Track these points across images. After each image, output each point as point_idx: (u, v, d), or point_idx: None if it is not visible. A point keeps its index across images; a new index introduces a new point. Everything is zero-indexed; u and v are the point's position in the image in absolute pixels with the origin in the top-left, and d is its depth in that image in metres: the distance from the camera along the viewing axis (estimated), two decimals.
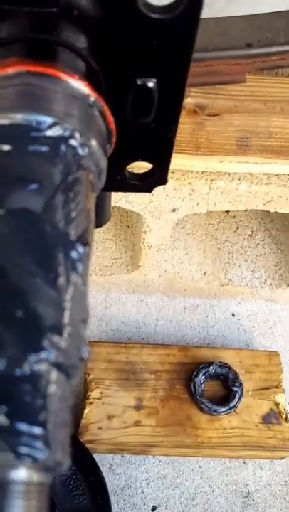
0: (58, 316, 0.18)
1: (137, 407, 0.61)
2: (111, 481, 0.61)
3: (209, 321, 0.72)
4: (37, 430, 0.16)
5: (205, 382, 0.62)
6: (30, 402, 0.16)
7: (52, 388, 0.17)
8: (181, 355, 0.65)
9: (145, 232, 0.60)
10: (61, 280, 0.18)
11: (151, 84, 0.25)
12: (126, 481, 0.62)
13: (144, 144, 0.29)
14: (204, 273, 0.71)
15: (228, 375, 0.62)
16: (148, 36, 0.23)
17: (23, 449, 0.16)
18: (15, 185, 0.20)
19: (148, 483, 0.62)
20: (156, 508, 0.61)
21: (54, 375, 0.17)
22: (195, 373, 0.62)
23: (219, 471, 0.63)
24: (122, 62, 0.24)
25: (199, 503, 0.62)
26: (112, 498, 0.58)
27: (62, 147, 0.21)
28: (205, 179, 0.53)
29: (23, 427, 0.16)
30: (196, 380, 0.62)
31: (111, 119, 0.24)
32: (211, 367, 0.63)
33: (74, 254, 0.19)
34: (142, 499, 0.61)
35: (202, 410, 0.61)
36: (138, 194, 0.55)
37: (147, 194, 0.54)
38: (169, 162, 0.30)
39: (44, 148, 0.21)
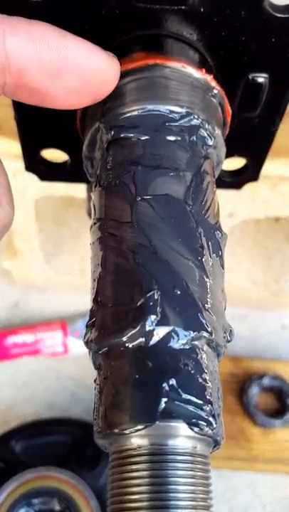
0: (207, 296, 0.20)
1: None
2: None
3: (259, 332, 0.73)
4: (205, 402, 0.18)
5: (258, 394, 0.63)
6: (194, 375, 0.18)
7: (209, 363, 0.19)
8: (232, 365, 0.66)
9: None
10: (207, 263, 0.20)
11: (261, 80, 0.27)
12: None
13: (244, 138, 0.30)
14: (254, 282, 0.72)
15: (282, 388, 0.63)
16: (268, 34, 0.25)
17: (194, 420, 0.17)
18: (155, 173, 0.21)
19: None
20: None
21: (209, 351, 0.19)
22: (248, 385, 0.63)
23: (271, 486, 0.64)
24: (236, 58, 0.26)
25: None
26: None
27: (194, 137, 0.23)
28: (267, 183, 0.55)
29: (192, 398, 0.18)
30: (248, 391, 0.63)
31: (229, 111, 0.26)
32: (264, 379, 0.63)
33: (215, 240, 0.21)
34: None
35: (255, 423, 0.62)
36: None
37: None
38: (265, 158, 0.32)
39: (178, 138, 0.23)
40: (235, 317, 0.75)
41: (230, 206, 0.58)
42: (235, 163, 0.33)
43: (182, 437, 0.18)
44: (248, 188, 0.55)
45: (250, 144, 0.31)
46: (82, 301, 0.76)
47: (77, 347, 0.69)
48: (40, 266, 0.68)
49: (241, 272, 0.73)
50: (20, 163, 0.53)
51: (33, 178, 0.51)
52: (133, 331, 0.19)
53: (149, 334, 0.19)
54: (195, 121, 0.23)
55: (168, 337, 0.19)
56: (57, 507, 0.54)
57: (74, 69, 0.21)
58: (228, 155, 0.32)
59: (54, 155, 0.33)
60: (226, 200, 0.57)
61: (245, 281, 0.72)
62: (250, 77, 0.27)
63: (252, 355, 0.71)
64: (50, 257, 0.69)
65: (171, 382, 0.18)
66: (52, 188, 0.56)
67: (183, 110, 0.23)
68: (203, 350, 0.19)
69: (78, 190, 0.56)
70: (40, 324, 0.70)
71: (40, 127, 0.30)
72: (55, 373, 0.69)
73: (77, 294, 0.73)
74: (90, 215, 0.40)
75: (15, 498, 0.54)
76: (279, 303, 0.73)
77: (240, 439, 0.61)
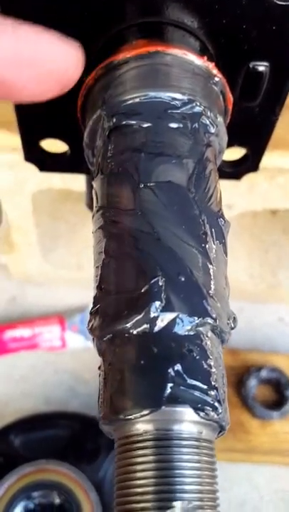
0: (211, 283, 0.20)
1: None
2: None
3: (256, 324, 0.73)
4: (210, 387, 0.18)
5: (256, 386, 0.63)
6: (199, 361, 0.18)
7: (214, 349, 0.19)
8: (230, 358, 0.66)
9: None
10: (211, 250, 0.20)
11: (262, 68, 0.27)
12: None
13: (244, 128, 0.30)
14: (251, 275, 0.73)
15: (280, 380, 0.63)
16: (269, 22, 0.25)
17: (200, 405, 0.17)
18: (158, 160, 0.21)
19: None
20: None
21: (214, 338, 0.19)
22: (246, 377, 0.63)
23: (269, 477, 0.64)
24: (237, 46, 0.26)
25: (247, 509, 0.63)
26: None
27: (196, 124, 0.23)
28: (265, 175, 0.55)
29: (198, 384, 0.18)
30: (247, 383, 0.63)
31: (231, 99, 0.26)
32: (262, 371, 0.64)
33: (218, 227, 0.21)
34: None
35: (254, 415, 0.62)
36: None
37: None
38: (265, 148, 0.32)
39: (180, 125, 0.22)
40: (233, 310, 0.75)
41: (228, 198, 0.58)
42: (235, 153, 0.33)
43: (188, 422, 0.18)
44: (246, 180, 0.55)
45: (250, 134, 0.31)
46: (80, 295, 0.76)
47: (75, 341, 0.69)
48: (37, 260, 0.68)
49: (238, 265, 0.73)
50: (17, 156, 0.53)
51: (30, 171, 0.50)
52: (137, 318, 0.19)
53: (154, 320, 0.19)
54: (197, 109, 0.23)
55: (173, 323, 0.19)
56: (57, 500, 0.54)
57: (35, 58, 0.21)
58: (229, 145, 0.32)
59: (53, 146, 0.33)
60: (223, 192, 0.57)
61: (242, 274, 0.73)
62: (250, 65, 0.27)
63: (250, 347, 0.71)
64: (47, 251, 0.69)
65: (176, 368, 0.18)
66: (49, 182, 0.56)
67: (185, 97, 0.23)
68: (207, 337, 0.19)
69: (76, 184, 0.56)
70: (38, 318, 0.70)
71: (39, 117, 0.30)
72: (53, 367, 0.69)
73: (75, 289, 0.73)
74: (89, 207, 0.40)
75: (14, 492, 0.54)
76: (276, 296, 0.73)
77: (238, 431, 0.61)
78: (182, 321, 0.19)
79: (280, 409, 0.62)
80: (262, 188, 0.56)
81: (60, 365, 0.69)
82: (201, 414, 0.18)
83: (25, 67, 0.21)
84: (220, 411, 0.18)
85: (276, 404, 0.63)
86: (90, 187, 0.38)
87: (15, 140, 0.33)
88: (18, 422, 0.62)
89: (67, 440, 0.61)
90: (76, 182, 0.55)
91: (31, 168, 0.35)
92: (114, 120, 0.23)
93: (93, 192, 0.24)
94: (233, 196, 0.57)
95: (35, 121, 0.30)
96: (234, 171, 0.34)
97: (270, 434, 0.62)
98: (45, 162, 0.33)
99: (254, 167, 0.33)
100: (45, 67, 0.21)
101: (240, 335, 0.72)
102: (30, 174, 0.55)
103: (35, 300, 0.73)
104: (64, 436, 0.61)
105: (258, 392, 0.64)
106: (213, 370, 0.19)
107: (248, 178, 0.57)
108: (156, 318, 0.19)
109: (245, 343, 0.72)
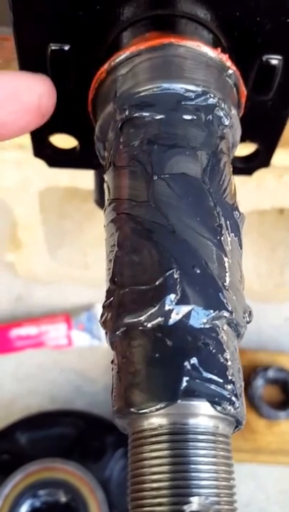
0: (226, 276, 0.19)
1: None
2: None
3: (263, 324, 0.73)
4: (227, 381, 0.17)
5: (263, 386, 0.63)
6: (215, 354, 0.18)
7: (230, 343, 0.18)
8: None
9: None
10: (226, 242, 0.20)
11: (275, 62, 0.27)
12: None
13: (256, 123, 0.30)
14: (258, 275, 0.72)
15: (287, 380, 0.63)
16: (284, 14, 0.25)
17: (216, 399, 0.17)
18: (172, 152, 0.21)
19: None
20: None
21: (230, 331, 0.19)
22: (252, 377, 0.63)
23: (275, 478, 0.64)
24: (250, 39, 0.26)
25: (254, 509, 0.62)
26: None
27: (210, 116, 0.22)
28: (273, 173, 0.54)
29: (214, 377, 0.17)
30: (253, 383, 0.62)
31: (244, 92, 0.26)
32: (269, 371, 0.63)
33: (233, 220, 0.21)
34: None
35: (260, 415, 0.61)
36: None
37: None
38: (277, 143, 0.31)
39: (194, 117, 0.22)
40: None
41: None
42: (247, 149, 0.33)
43: (204, 416, 0.17)
44: (254, 178, 0.55)
45: (262, 129, 0.31)
46: (86, 293, 0.76)
47: (81, 339, 0.69)
48: (44, 258, 0.68)
49: (245, 264, 0.72)
50: (24, 154, 0.53)
51: (37, 168, 0.50)
52: (152, 310, 0.18)
53: (169, 313, 0.18)
54: (211, 100, 0.22)
55: (188, 316, 0.18)
56: (63, 498, 0.54)
57: (14, 93, 0.24)
58: (241, 140, 0.32)
59: (62, 141, 0.33)
60: None
61: (249, 274, 0.72)
62: (263, 59, 0.26)
63: (256, 347, 0.71)
64: (54, 249, 0.69)
65: (192, 361, 0.17)
66: (56, 179, 0.56)
67: (198, 89, 0.22)
68: (223, 330, 0.19)
69: (82, 182, 0.55)
70: (44, 317, 0.70)
71: None
72: (59, 366, 0.69)
73: (81, 287, 0.72)
74: (97, 203, 0.40)
75: (20, 490, 0.54)
76: (283, 295, 0.72)
77: (245, 430, 0.61)
78: (198, 314, 0.18)
79: (287, 410, 0.61)
80: (270, 187, 0.55)
81: (66, 364, 0.69)
82: (218, 408, 0.17)
83: (7, 103, 0.24)
84: (237, 405, 0.18)
85: (283, 405, 0.62)
86: (99, 183, 0.38)
87: (22, 138, 0.33)
88: (24, 420, 0.62)
89: (73, 438, 0.60)
90: (83, 180, 0.55)
91: (38, 166, 0.35)
92: (127, 112, 0.23)
93: (105, 185, 0.23)
94: (241, 194, 0.57)
95: None
96: (246, 166, 0.33)
97: (276, 434, 0.61)
98: (55, 158, 0.33)
99: (266, 163, 0.33)
100: (24, 99, 0.25)
101: (248, 334, 0.72)
102: (36, 172, 0.55)
103: (42, 298, 0.73)
104: (70, 434, 0.61)
105: (265, 392, 0.63)
106: (230, 363, 0.18)
107: (256, 176, 0.57)
108: (171, 311, 0.18)
109: (251, 342, 0.71)
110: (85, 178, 0.54)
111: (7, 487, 0.54)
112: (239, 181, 0.61)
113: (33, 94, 0.25)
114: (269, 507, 0.62)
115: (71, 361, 0.69)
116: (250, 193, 0.56)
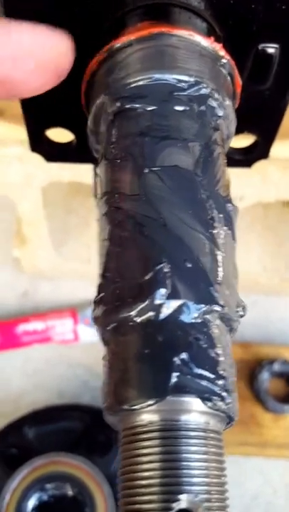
0: (219, 270, 0.19)
1: None
2: None
3: (269, 317, 0.72)
4: (217, 377, 0.17)
5: (268, 380, 0.62)
6: (206, 349, 0.17)
7: (222, 338, 0.18)
8: (242, 351, 0.65)
9: None
10: (218, 235, 0.19)
11: (272, 51, 0.26)
12: None
13: (253, 114, 0.29)
14: (264, 268, 0.71)
15: None
16: (280, 1, 0.24)
17: (207, 395, 0.17)
18: (163, 144, 0.21)
19: None
20: None
21: (222, 326, 0.18)
22: (258, 370, 0.62)
23: (282, 472, 0.63)
24: (245, 27, 0.25)
25: (261, 503, 0.62)
26: None
27: (203, 107, 0.22)
28: (277, 165, 0.54)
29: (205, 373, 0.17)
30: (259, 377, 0.62)
31: (239, 82, 0.25)
32: (275, 364, 0.63)
33: (226, 212, 0.20)
34: None
35: (266, 408, 0.61)
36: None
37: None
38: (275, 134, 0.31)
39: (187, 108, 0.22)
40: (246, 303, 0.74)
41: (240, 189, 0.57)
42: (245, 140, 0.32)
43: (195, 412, 0.17)
44: (258, 171, 0.54)
45: (260, 120, 0.30)
46: (92, 288, 0.75)
47: (88, 334, 0.69)
48: (49, 253, 0.68)
49: (251, 257, 0.72)
50: (26, 149, 0.53)
51: (39, 163, 0.50)
52: (142, 305, 0.18)
53: (159, 308, 0.18)
54: (204, 91, 0.22)
55: (178, 311, 0.18)
56: (70, 492, 0.54)
57: (31, 51, 0.22)
58: (238, 131, 0.31)
59: (59, 135, 0.32)
60: (235, 183, 0.56)
61: (255, 267, 0.71)
62: (259, 47, 0.26)
63: (262, 340, 0.70)
64: (59, 244, 0.69)
65: (182, 357, 0.17)
66: (59, 174, 0.56)
67: (191, 79, 0.22)
68: (215, 325, 0.18)
69: (86, 177, 0.55)
70: (51, 312, 0.70)
71: (44, 105, 0.29)
72: (66, 361, 0.69)
73: (87, 282, 0.72)
74: (95, 197, 0.40)
75: (28, 484, 0.54)
76: None
77: (251, 424, 0.60)
78: (188, 309, 0.18)
79: None
80: (274, 179, 0.55)
81: (73, 359, 0.69)
82: (209, 404, 0.17)
83: (23, 61, 0.21)
84: (228, 401, 0.17)
85: None
86: (94, 175, 0.37)
87: (23, 133, 0.33)
88: (31, 415, 0.62)
89: (80, 433, 0.60)
90: (87, 175, 0.55)
91: (40, 161, 0.35)
92: (118, 104, 0.22)
93: (97, 178, 0.23)
94: (245, 187, 0.56)
95: (39, 109, 0.29)
96: (245, 158, 0.33)
97: (283, 428, 0.61)
98: (52, 152, 0.33)
99: (265, 154, 0.32)
100: (41, 58, 0.22)
101: (253, 328, 0.71)
102: (39, 167, 0.55)
103: (48, 294, 0.73)
104: (77, 428, 0.61)
105: (271, 385, 0.63)
106: (221, 358, 0.18)
107: (260, 169, 0.56)
108: (161, 305, 0.18)
109: (257, 336, 0.71)
110: (88, 173, 0.54)
111: (15, 481, 0.54)
112: (243, 174, 0.60)
113: (51, 52, 0.22)
114: (276, 500, 0.62)
115: (78, 356, 0.69)
116: (254, 185, 0.56)
